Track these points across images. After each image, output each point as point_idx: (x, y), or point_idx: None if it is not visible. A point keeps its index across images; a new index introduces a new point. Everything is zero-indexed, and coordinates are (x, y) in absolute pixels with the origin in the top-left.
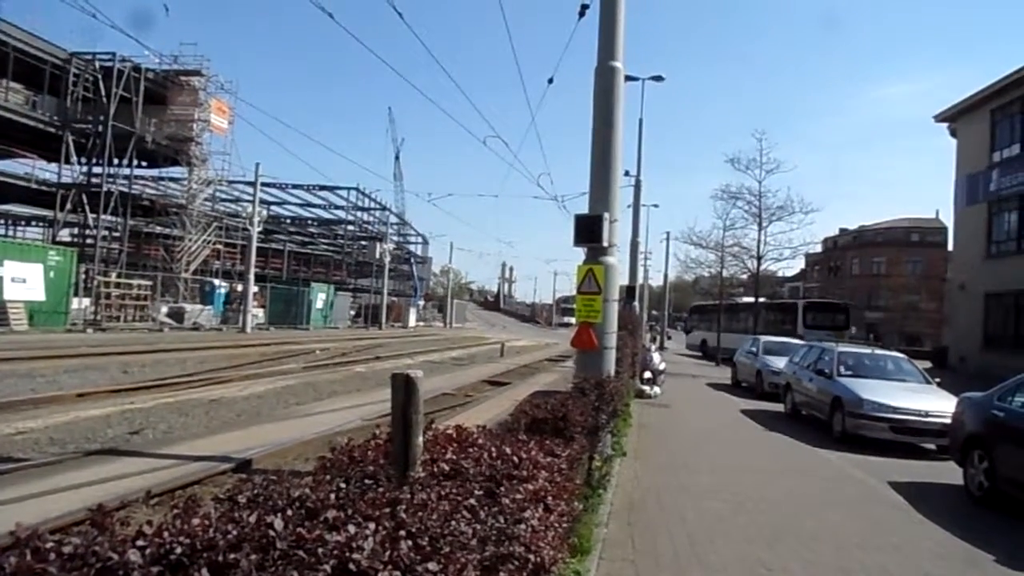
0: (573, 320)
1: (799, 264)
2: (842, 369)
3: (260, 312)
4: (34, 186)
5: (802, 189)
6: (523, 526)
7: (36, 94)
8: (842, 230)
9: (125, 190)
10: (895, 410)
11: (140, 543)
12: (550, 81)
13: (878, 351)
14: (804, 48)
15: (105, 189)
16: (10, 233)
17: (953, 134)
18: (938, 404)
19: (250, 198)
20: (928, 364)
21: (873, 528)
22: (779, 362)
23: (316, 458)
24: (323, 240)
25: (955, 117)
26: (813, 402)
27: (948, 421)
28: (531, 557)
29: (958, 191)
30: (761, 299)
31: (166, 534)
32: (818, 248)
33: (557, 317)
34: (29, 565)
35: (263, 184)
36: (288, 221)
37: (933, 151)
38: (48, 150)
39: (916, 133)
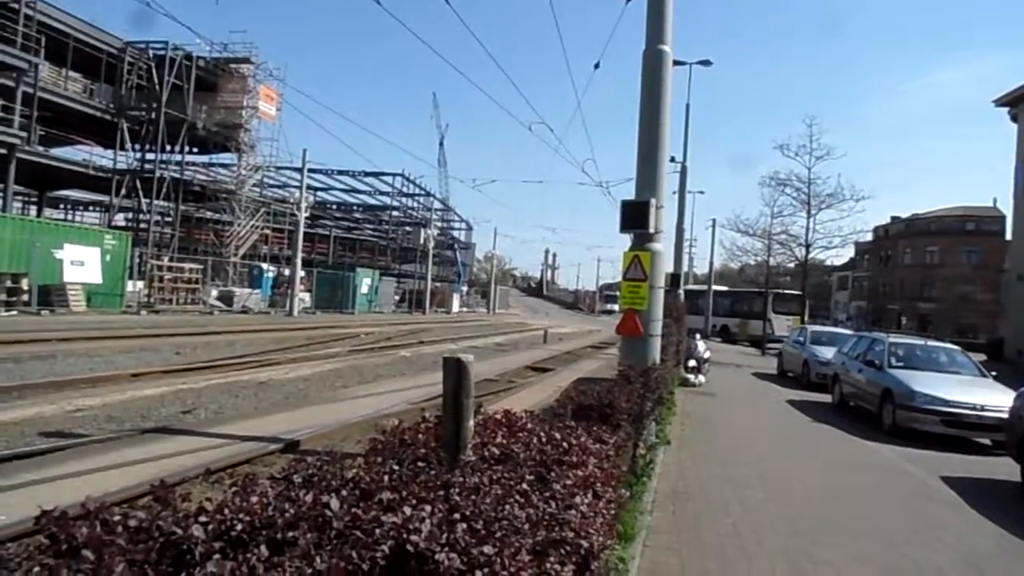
0: (616, 307)
1: (848, 253)
2: (893, 360)
3: (307, 296)
4: (91, 172)
5: (853, 176)
6: (573, 512)
7: (93, 82)
8: (894, 218)
9: (177, 176)
10: (948, 403)
11: (202, 519)
12: (596, 66)
13: (931, 342)
14: (856, 32)
15: (158, 175)
16: (69, 217)
17: (1014, 119)
18: (994, 398)
19: (297, 184)
20: (983, 357)
21: (924, 523)
22: (827, 352)
23: (364, 440)
24: (368, 225)
25: (1016, 101)
26: (862, 393)
27: (1005, 416)
28: (582, 543)
29: (1018, 178)
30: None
31: (226, 511)
32: (869, 236)
33: (600, 304)
34: (99, 536)
35: (310, 170)
36: (334, 207)
37: (992, 137)
38: (104, 137)
39: (974, 118)
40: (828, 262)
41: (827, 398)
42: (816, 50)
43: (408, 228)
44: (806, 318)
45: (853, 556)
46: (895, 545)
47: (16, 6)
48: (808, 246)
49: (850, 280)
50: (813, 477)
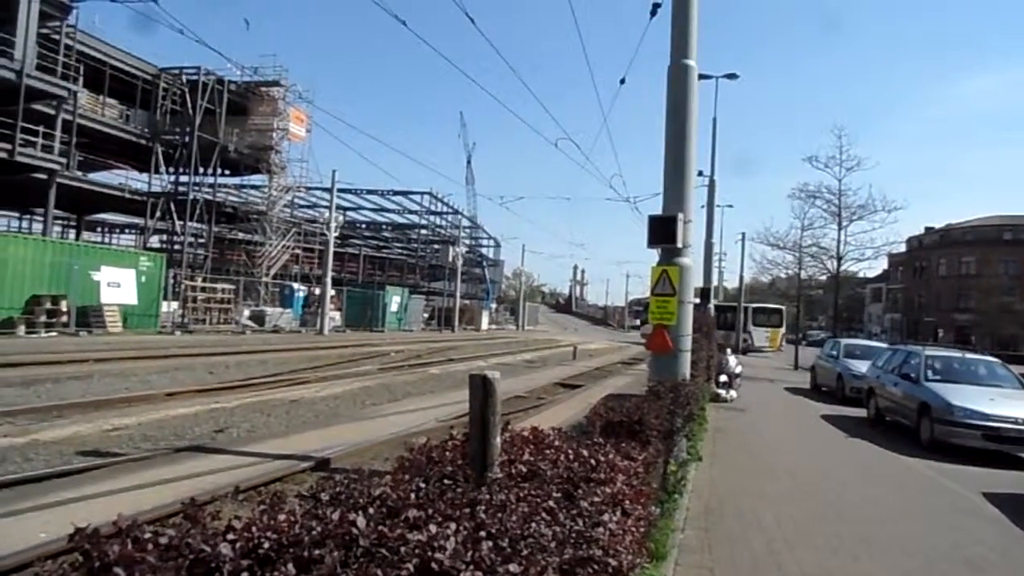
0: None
1: (881, 264)
2: (930, 373)
3: (337, 315)
4: (127, 195)
5: (885, 187)
6: (601, 529)
7: (129, 108)
8: (928, 229)
9: (210, 198)
10: (988, 417)
11: (230, 537)
12: (622, 81)
13: (968, 355)
14: (885, 39)
15: (191, 197)
16: (106, 240)
17: None
18: None
19: (327, 204)
20: None
21: (966, 541)
22: (861, 366)
23: (394, 458)
24: (397, 244)
25: None
26: (898, 408)
27: None
28: (610, 561)
29: None
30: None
31: (254, 529)
32: (902, 248)
33: (629, 319)
34: (130, 554)
35: (339, 190)
36: (363, 226)
37: None
38: (140, 161)
39: (1008, 126)
40: (861, 274)
41: (862, 413)
42: (840, 60)
43: (436, 246)
44: (784, 330)
45: (892, 575)
46: (934, 563)
47: (57, 37)
48: (840, 258)
49: (884, 292)
50: (849, 493)
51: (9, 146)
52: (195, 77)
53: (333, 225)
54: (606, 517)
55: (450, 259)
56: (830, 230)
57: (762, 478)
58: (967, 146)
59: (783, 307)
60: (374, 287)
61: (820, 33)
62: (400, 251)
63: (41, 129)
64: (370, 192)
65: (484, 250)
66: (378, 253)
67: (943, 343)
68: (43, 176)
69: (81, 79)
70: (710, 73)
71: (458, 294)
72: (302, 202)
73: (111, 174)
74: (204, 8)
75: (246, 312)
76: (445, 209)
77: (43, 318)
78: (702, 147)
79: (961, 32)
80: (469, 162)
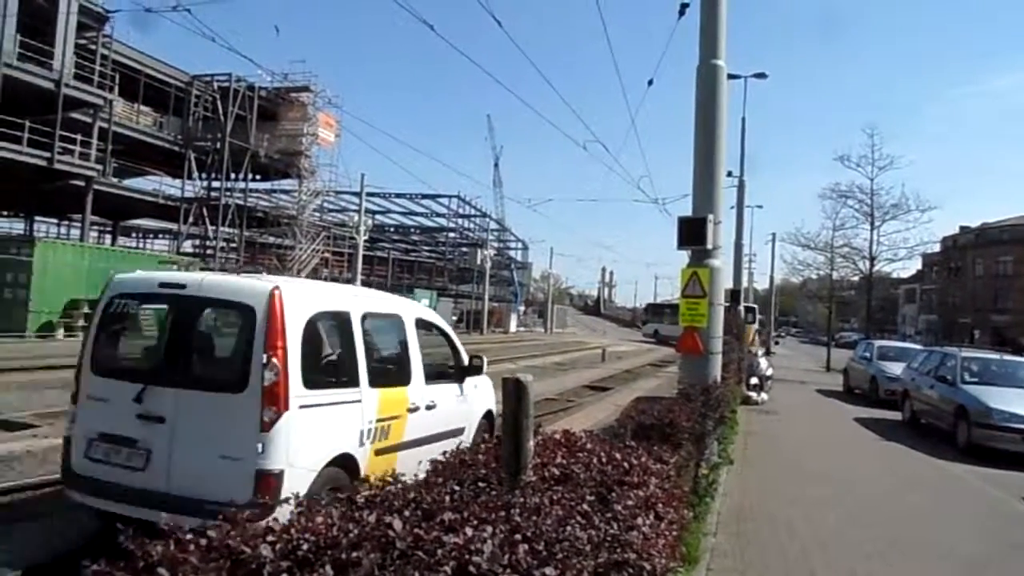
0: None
1: (915, 265)
2: (966, 376)
3: None
4: (161, 201)
5: (919, 186)
6: (635, 533)
7: (162, 116)
8: (963, 228)
9: (241, 203)
10: None
11: (270, 538)
12: (650, 83)
13: (1007, 356)
14: (917, 36)
15: (223, 202)
16: (140, 245)
17: None
18: None
19: (356, 208)
20: None
21: (1006, 547)
22: (895, 368)
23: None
24: (425, 247)
25: None
26: (934, 411)
27: None
28: (644, 565)
29: None
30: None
31: (293, 531)
32: (937, 248)
33: None
34: (174, 554)
35: (368, 194)
36: (392, 229)
37: None
38: (173, 167)
39: None
40: (894, 275)
41: (897, 415)
42: (866, 60)
43: (465, 249)
44: (757, 325)
45: None
46: (973, 569)
47: (93, 47)
48: (872, 259)
49: (918, 293)
50: (884, 497)
51: (48, 154)
52: (226, 84)
53: (362, 228)
54: (640, 520)
55: (478, 262)
56: (862, 230)
57: (795, 482)
58: (1002, 143)
59: (755, 306)
60: (403, 290)
61: (842, 33)
62: (428, 254)
63: (79, 137)
64: (399, 196)
65: (512, 253)
66: (407, 256)
67: (979, 344)
68: (80, 183)
69: (116, 88)
70: (738, 73)
71: (486, 297)
72: (331, 206)
73: (146, 180)
74: (228, 11)
75: None
76: (473, 212)
77: (81, 322)
78: (731, 147)
79: (988, 30)
80: (497, 165)
